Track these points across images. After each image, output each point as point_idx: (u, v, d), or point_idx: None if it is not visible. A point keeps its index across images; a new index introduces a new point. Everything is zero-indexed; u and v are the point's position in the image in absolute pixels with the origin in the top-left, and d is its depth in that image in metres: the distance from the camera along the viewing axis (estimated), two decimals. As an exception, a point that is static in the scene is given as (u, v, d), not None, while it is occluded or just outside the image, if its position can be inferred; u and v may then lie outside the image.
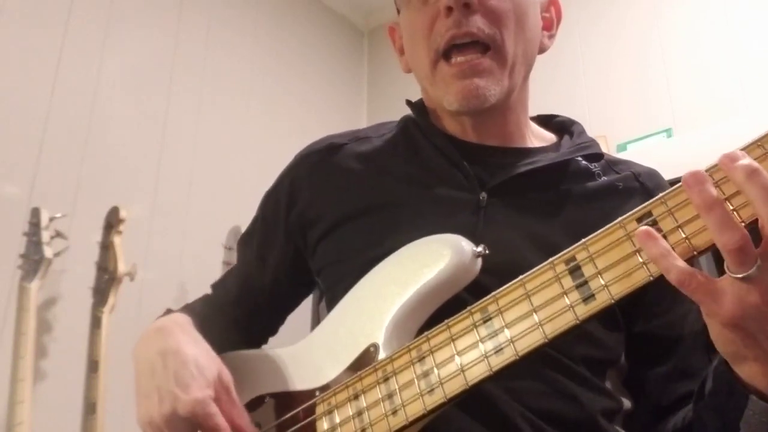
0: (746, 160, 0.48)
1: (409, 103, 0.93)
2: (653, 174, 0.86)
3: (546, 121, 0.94)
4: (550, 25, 0.89)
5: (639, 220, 0.53)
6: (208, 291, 1.00)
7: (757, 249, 0.49)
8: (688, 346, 0.78)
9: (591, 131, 0.91)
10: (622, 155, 0.91)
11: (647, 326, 0.79)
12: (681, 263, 0.51)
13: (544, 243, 0.75)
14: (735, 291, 0.49)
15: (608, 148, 2.10)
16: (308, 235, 0.88)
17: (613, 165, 0.86)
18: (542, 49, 0.87)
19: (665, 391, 0.78)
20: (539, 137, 0.90)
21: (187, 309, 0.90)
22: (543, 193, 0.81)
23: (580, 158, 0.84)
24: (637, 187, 0.83)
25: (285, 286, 0.94)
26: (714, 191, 0.49)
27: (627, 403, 0.79)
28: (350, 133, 0.94)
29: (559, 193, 0.81)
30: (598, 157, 0.85)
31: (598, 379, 0.75)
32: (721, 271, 0.78)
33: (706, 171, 0.51)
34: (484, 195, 0.79)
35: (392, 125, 0.94)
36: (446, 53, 0.79)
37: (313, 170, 0.89)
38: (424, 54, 0.81)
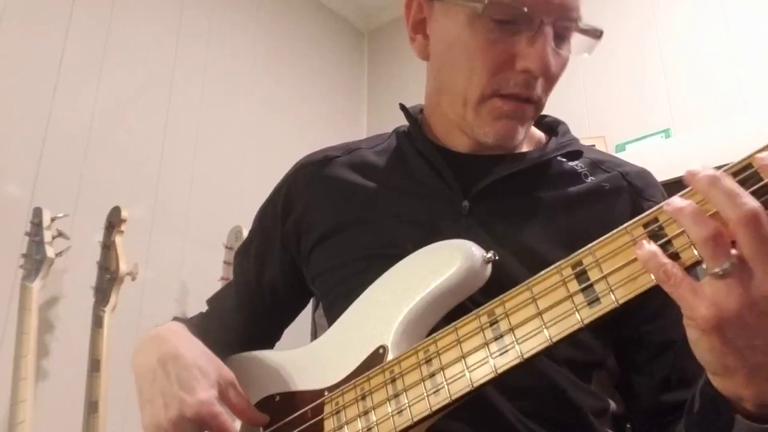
0: (708, 171, 0.48)
1: (403, 108, 0.93)
2: (642, 173, 0.84)
3: (538, 120, 0.94)
4: None
5: (645, 225, 0.54)
6: (209, 291, 1.01)
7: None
8: (681, 352, 0.74)
9: (589, 132, 0.92)
10: (620, 156, 0.91)
11: (636, 331, 0.77)
12: (665, 260, 0.50)
13: (524, 250, 0.75)
14: (713, 292, 0.47)
15: (607, 149, 2.10)
16: (301, 243, 0.89)
17: (601, 164, 0.85)
18: None
19: (659, 399, 0.76)
20: (531, 139, 0.90)
21: (180, 319, 0.90)
22: (526, 198, 0.80)
23: (563, 159, 0.84)
24: (624, 186, 0.81)
25: (282, 295, 0.95)
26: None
27: (613, 405, 0.79)
28: (345, 145, 0.95)
29: (543, 198, 0.80)
30: (577, 154, 0.85)
31: (584, 381, 0.76)
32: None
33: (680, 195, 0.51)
34: (466, 203, 0.79)
35: (386, 136, 0.95)
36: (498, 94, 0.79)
37: (308, 181, 0.91)
38: (478, 84, 0.78)
